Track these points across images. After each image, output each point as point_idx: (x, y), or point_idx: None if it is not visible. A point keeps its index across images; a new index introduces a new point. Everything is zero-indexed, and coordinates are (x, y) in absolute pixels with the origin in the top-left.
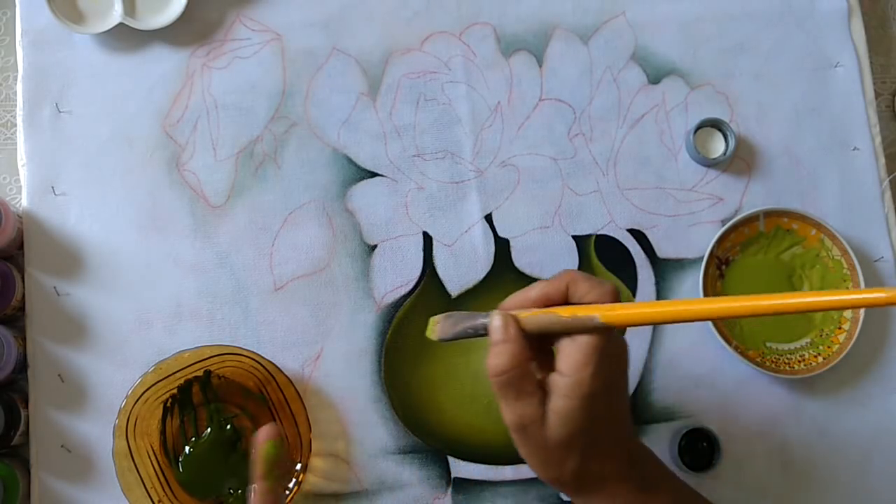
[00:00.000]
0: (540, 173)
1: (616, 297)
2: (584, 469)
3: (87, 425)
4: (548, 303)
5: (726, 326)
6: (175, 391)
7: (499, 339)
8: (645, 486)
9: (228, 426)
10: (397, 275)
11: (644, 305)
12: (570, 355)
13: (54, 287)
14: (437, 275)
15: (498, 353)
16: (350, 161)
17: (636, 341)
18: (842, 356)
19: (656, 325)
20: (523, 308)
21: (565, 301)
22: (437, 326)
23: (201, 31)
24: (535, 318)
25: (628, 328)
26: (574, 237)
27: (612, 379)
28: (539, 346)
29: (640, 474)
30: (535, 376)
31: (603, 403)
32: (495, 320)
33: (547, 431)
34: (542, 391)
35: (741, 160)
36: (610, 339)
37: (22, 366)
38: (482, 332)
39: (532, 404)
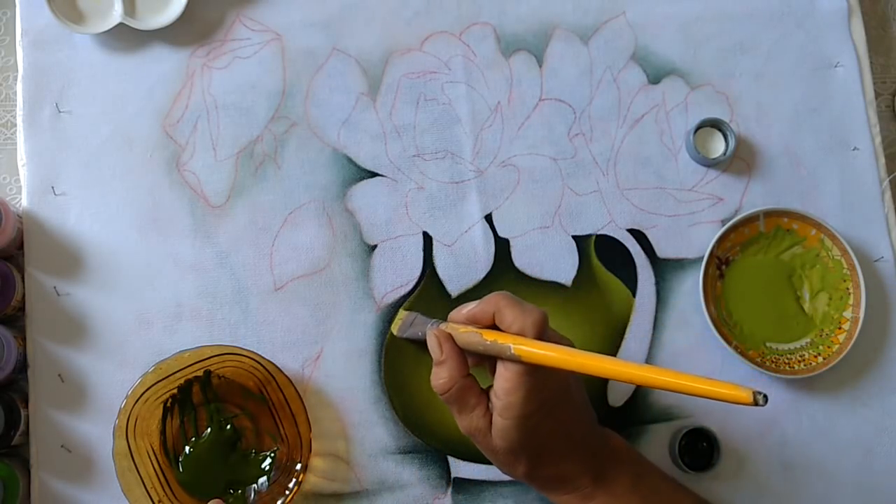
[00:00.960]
0: (540, 173)
1: (541, 328)
2: (535, 473)
3: (87, 425)
4: (476, 324)
5: (726, 326)
6: (175, 391)
7: (436, 359)
8: (602, 480)
9: (228, 426)
10: (397, 275)
11: (556, 349)
12: (502, 378)
13: (54, 287)
14: (437, 275)
15: (436, 375)
16: (350, 161)
17: (636, 342)
18: (842, 356)
19: (567, 369)
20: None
21: (493, 325)
22: (400, 322)
23: (201, 31)
24: (463, 335)
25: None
26: (574, 237)
27: (548, 398)
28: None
29: (597, 469)
30: (478, 389)
31: (542, 419)
32: (430, 338)
33: (492, 441)
34: (486, 401)
35: (741, 160)
36: (540, 367)
37: (22, 366)
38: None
39: (476, 416)
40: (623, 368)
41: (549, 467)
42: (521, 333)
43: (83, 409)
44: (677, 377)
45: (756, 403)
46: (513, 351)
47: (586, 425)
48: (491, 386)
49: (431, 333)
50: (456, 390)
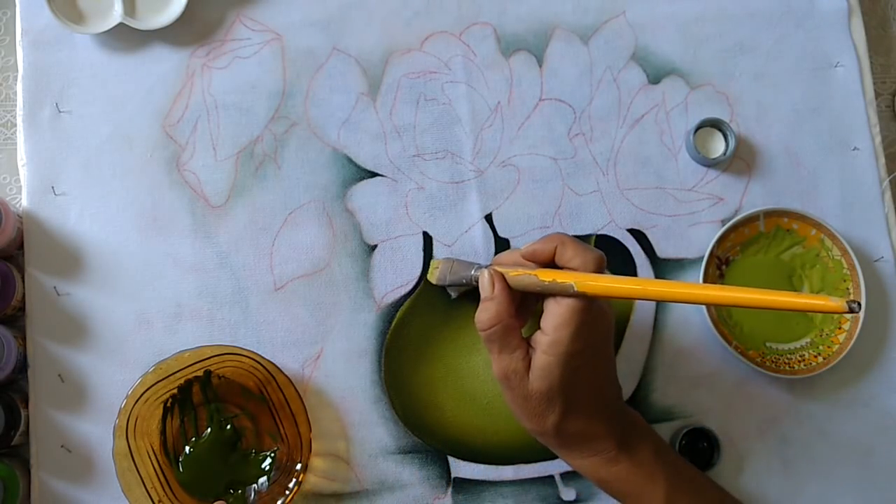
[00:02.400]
0: (540, 173)
1: (600, 266)
2: (564, 425)
3: (87, 425)
4: (535, 261)
5: (726, 326)
6: (175, 391)
7: (485, 296)
8: (626, 447)
9: (228, 426)
10: (397, 275)
11: (621, 280)
12: (552, 315)
13: (54, 287)
14: None
15: (483, 310)
16: (350, 161)
17: (636, 342)
18: (842, 356)
19: (632, 299)
20: (516, 264)
21: (552, 262)
22: (437, 271)
23: (201, 31)
24: (519, 277)
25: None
26: (574, 237)
27: (592, 341)
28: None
29: (622, 435)
30: (520, 333)
31: (582, 364)
32: (483, 276)
33: (529, 384)
34: (527, 346)
35: (741, 160)
36: (592, 305)
37: (22, 366)
38: (474, 283)
39: (516, 358)
40: (696, 291)
41: (579, 421)
42: (583, 269)
43: (83, 409)
44: (761, 294)
45: (851, 311)
46: (575, 287)
47: (616, 388)
48: (530, 336)
49: (486, 271)
50: (501, 327)
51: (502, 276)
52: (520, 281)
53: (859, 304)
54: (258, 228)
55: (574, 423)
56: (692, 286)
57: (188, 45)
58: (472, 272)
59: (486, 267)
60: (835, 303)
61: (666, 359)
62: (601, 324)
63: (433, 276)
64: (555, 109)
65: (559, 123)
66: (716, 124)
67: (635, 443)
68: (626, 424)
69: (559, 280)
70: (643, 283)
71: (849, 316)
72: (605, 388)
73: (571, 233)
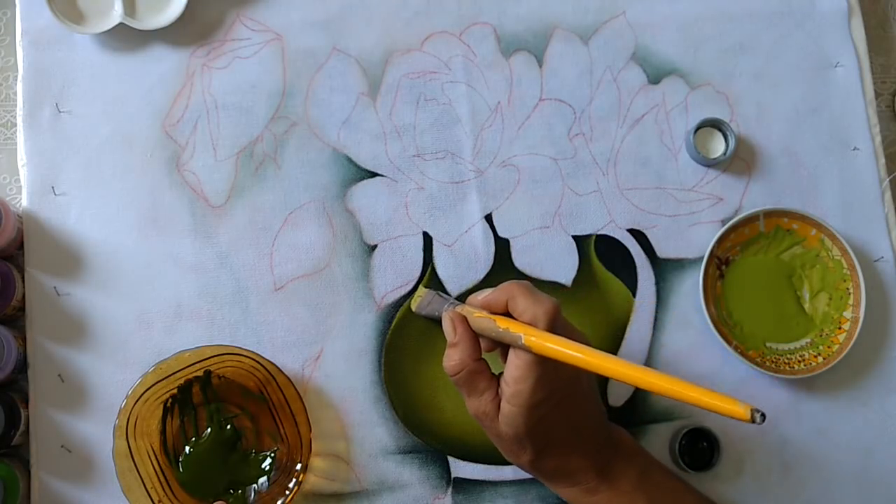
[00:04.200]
0: (540, 173)
1: (550, 319)
2: (538, 463)
3: (87, 425)
4: (490, 311)
5: (726, 326)
6: (175, 391)
7: (448, 340)
8: (606, 475)
9: (228, 426)
10: (397, 275)
11: (566, 344)
12: (512, 366)
13: (54, 287)
14: (437, 275)
15: (448, 356)
16: (350, 161)
17: (636, 342)
18: (842, 356)
19: (573, 365)
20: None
21: (507, 313)
22: (419, 300)
23: (201, 31)
24: (478, 320)
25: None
26: (574, 237)
27: (558, 386)
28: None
29: (602, 465)
30: (488, 374)
31: (550, 409)
32: (444, 320)
33: (499, 427)
34: (496, 386)
35: (741, 160)
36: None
37: (22, 366)
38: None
39: (484, 401)
40: (627, 370)
41: (554, 459)
42: (533, 322)
43: (83, 409)
44: (678, 385)
45: (753, 421)
46: (523, 341)
47: (594, 419)
48: (502, 372)
49: (447, 315)
50: (466, 373)
51: (464, 320)
52: (480, 324)
53: (763, 416)
54: (258, 228)
55: (549, 460)
56: (625, 365)
57: (188, 45)
58: (445, 308)
59: (459, 304)
60: (741, 408)
61: (666, 359)
62: (564, 371)
63: (414, 304)
64: (555, 109)
65: (559, 123)
66: (716, 124)
67: (617, 469)
68: (608, 452)
69: (512, 330)
70: (587, 353)
71: (849, 316)
72: (581, 423)
73: (571, 232)
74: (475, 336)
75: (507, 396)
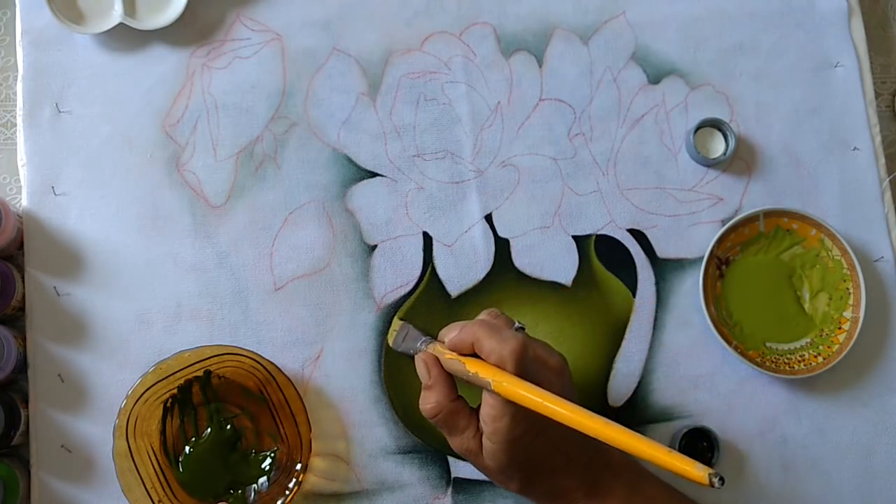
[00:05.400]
0: (540, 173)
1: (518, 361)
2: (527, 490)
3: (87, 425)
4: (459, 353)
5: (726, 326)
6: (175, 391)
7: (423, 383)
8: (596, 493)
9: (228, 426)
10: (397, 275)
11: (534, 392)
12: (488, 405)
13: (54, 287)
14: (437, 275)
15: (424, 400)
16: (350, 161)
17: (636, 342)
18: (842, 356)
19: (541, 412)
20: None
21: (475, 353)
22: (395, 334)
23: (201, 31)
24: (449, 362)
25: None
26: (574, 237)
27: (537, 420)
28: None
29: (591, 483)
30: (467, 411)
31: (532, 440)
32: (418, 361)
33: (484, 460)
34: (477, 421)
35: (741, 160)
36: None
37: (22, 366)
38: None
39: (466, 438)
40: (591, 423)
41: (542, 484)
42: (500, 364)
43: (83, 409)
44: (639, 441)
45: (711, 485)
46: (492, 387)
47: (578, 439)
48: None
49: (419, 357)
50: (444, 414)
51: (437, 361)
52: (451, 365)
53: (722, 480)
54: (258, 228)
55: (538, 486)
56: (590, 418)
57: (188, 45)
58: (419, 345)
59: (432, 341)
60: (699, 472)
61: (666, 359)
62: None
63: (391, 338)
64: (555, 109)
65: (559, 123)
66: (716, 124)
67: (607, 487)
68: (596, 468)
69: (481, 375)
70: (551, 401)
71: (849, 316)
72: (565, 445)
73: (571, 232)
74: (450, 376)
75: (488, 434)
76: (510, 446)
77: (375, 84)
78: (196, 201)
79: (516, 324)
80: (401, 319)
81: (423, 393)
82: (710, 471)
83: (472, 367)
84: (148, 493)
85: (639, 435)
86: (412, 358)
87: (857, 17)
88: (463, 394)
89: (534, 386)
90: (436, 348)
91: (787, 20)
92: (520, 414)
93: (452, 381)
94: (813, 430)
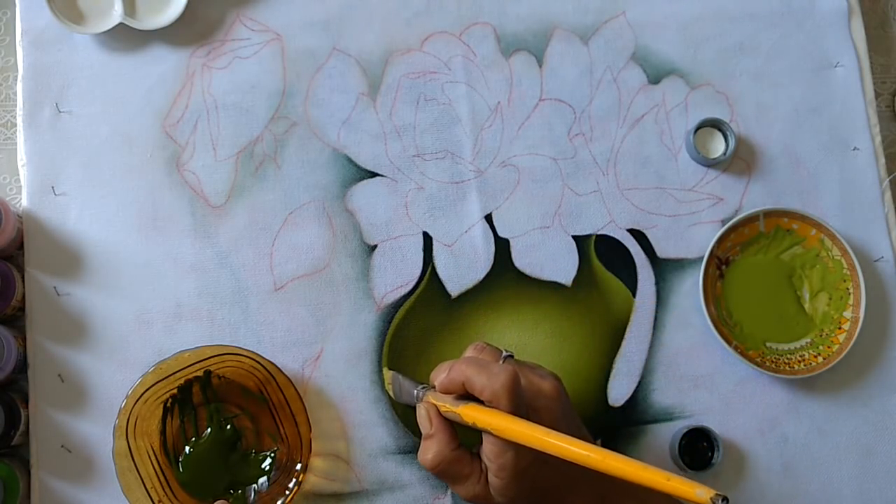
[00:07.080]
0: (540, 173)
1: (512, 391)
2: None
3: (87, 425)
4: (450, 394)
5: (726, 326)
6: (175, 391)
7: (424, 433)
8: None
9: (228, 426)
10: (397, 275)
11: (536, 430)
12: (489, 443)
13: (54, 287)
14: (437, 275)
15: (425, 450)
16: (350, 161)
17: (636, 342)
18: (842, 356)
19: (543, 450)
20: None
21: (467, 392)
22: (391, 386)
23: (201, 31)
24: (448, 413)
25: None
26: (574, 237)
27: (539, 451)
28: None
29: (601, 499)
30: (468, 457)
31: (539, 469)
32: (420, 412)
33: (494, 499)
34: (480, 464)
35: (741, 160)
36: None
37: (22, 366)
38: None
39: (471, 484)
40: (592, 456)
41: None
42: (494, 401)
43: (83, 409)
44: (641, 470)
45: None
46: (493, 435)
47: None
48: (481, 445)
49: (421, 406)
50: (445, 465)
51: (437, 411)
52: (449, 416)
53: (725, 501)
54: (258, 228)
55: None
56: (592, 449)
57: (188, 45)
58: (416, 392)
59: (426, 387)
60: (700, 496)
61: (666, 359)
62: (541, 422)
63: (391, 392)
64: (555, 109)
65: (559, 123)
66: (716, 124)
67: (615, 499)
68: (604, 484)
69: (479, 424)
70: (554, 437)
71: (849, 316)
72: (572, 468)
73: (571, 232)
74: (451, 424)
75: (494, 471)
76: (517, 479)
77: (375, 84)
78: (196, 201)
79: (504, 352)
80: (390, 370)
81: (422, 443)
82: (713, 493)
83: (469, 418)
84: (148, 493)
85: (639, 463)
86: (411, 407)
87: (857, 17)
88: (461, 431)
89: (532, 424)
90: (434, 396)
91: (787, 20)
92: (523, 446)
93: (453, 428)
94: (813, 430)
